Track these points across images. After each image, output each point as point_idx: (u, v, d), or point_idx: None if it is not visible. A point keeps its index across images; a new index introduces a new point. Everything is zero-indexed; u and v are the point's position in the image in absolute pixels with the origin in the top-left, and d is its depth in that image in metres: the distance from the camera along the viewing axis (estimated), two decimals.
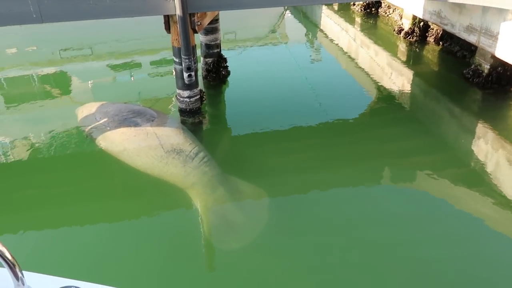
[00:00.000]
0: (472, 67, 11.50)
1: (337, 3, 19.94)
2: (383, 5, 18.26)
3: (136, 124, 8.83)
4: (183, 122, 9.55)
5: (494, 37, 10.24)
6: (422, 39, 14.84)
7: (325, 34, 17.74)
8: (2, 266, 1.89)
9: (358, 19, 18.31)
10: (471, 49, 12.21)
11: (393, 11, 17.47)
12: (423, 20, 14.56)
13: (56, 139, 9.19)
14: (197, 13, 8.72)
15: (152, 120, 9.03)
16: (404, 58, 14.06)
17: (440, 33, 14.17)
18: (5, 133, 9.72)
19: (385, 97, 11.47)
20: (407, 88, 11.98)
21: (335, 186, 7.75)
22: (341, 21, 18.50)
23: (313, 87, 11.67)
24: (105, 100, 10.35)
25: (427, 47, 14.48)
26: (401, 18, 16.02)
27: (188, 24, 8.46)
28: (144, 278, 5.68)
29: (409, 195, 7.55)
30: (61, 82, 13.04)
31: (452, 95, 11.09)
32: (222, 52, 12.23)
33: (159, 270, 5.85)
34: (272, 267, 5.93)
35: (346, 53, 15.06)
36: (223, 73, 12.12)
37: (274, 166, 8.20)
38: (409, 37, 15.02)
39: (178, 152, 7.99)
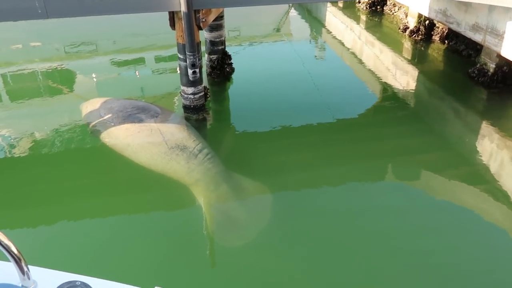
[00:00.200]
0: (477, 66, 11.45)
1: (342, 1, 19.86)
2: (388, 3, 18.19)
3: (140, 120, 8.85)
4: (187, 119, 9.55)
5: (500, 36, 10.19)
6: (427, 38, 14.78)
7: (330, 31, 17.69)
8: (8, 261, 1.91)
9: (363, 17, 18.24)
10: (477, 48, 12.15)
11: (398, 9, 17.40)
12: (428, 19, 14.49)
13: (60, 135, 9.22)
14: (202, 9, 8.72)
15: (156, 117, 9.04)
16: (409, 57, 14.01)
17: (446, 31, 14.10)
18: (10, 128, 9.75)
19: (390, 95, 11.43)
20: (412, 86, 11.94)
21: (339, 184, 7.75)
22: (346, 18, 18.44)
23: (317, 85, 11.65)
24: (109, 96, 10.37)
25: (432, 45, 14.42)
26: (406, 16, 15.96)
27: (193, 20, 8.46)
28: (147, 273, 5.69)
29: (413, 193, 7.53)
30: (66, 78, 13.07)
31: (457, 94, 11.04)
32: (227, 49, 12.22)
33: (162, 265, 5.87)
34: (274, 264, 5.94)
35: (351, 51, 15.01)
36: (228, 70, 12.11)
37: (278, 163, 8.20)
38: (414, 35, 14.96)
39: (182, 148, 8.00)
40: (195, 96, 9.56)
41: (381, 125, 9.67)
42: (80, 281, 2.02)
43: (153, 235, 6.48)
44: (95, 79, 12.73)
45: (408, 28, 15.31)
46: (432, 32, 14.79)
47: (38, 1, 7.79)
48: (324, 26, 18.66)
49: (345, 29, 17.61)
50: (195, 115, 9.69)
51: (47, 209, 7.14)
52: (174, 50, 9.76)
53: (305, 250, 6.15)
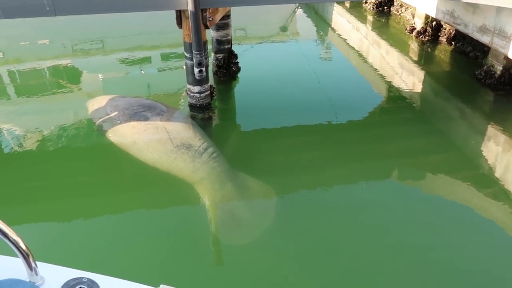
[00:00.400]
0: (484, 68, 11.40)
1: (349, 1, 19.81)
2: (395, 3, 18.12)
3: (146, 118, 8.88)
4: (192, 117, 9.58)
5: (507, 38, 10.13)
6: (434, 39, 14.71)
7: (337, 32, 17.66)
8: (17, 256, 1.93)
9: (370, 17, 18.19)
10: (484, 49, 12.09)
11: (405, 10, 17.33)
12: (435, 20, 14.42)
13: (67, 131, 9.28)
14: (209, 8, 8.73)
15: (162, 115, 9.07)
16: (415, 58, 13.96)
17: (453, 33, 14.04)
18: (18, 124, 9.81)
19: (396, 96, 11.41)
20: (418, 88, 11.90)
21: (343, 184, 7.75)
22: (352, 19, 18.39)
23: (323, 85, 11.64)
24: (115, 93, 10.41)
25: (439, 47, 14.36)
26: (413, 17, 15.89)
27: (200, 19, 8.47)
28: (151, 270, 5.72)
29: (418, 194, 7.52)
30: (73, 75, 13.13)
31: (463, 96, 11.00)
32: (233, 48, 12.23)
33: (167, 263, 5.91)
34: (279, 262, 5.95)
35: (357, 51, 14.98)
36: (234, 69, 12.12)
37: (282, 163, 8.20)
38: (421, 36, 14.90)
39: (187, 147, 8.02)
40: (201, 94, 9.58)
41: (387, 126, 9.66)
42: (87, 278, 2.03)
43: (157, 233, 6.51)
44: (101, 77, 12.78)
45: (415, 29, 15.25)
46: (439, 33, 14.72)
47: None
48: (330, 26, 18.63)
49: (351, 29, 17.57)
50: (201, 114, 9.71)
51: (54, 206, 7.20)
52: (181, 49, 9.78)
53: (309, 249, 6.16)
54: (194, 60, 8.95)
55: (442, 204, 7.24)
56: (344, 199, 7.33)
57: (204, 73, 9.22)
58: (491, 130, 9.45)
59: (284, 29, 17.99)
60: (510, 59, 10.28)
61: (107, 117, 9.24)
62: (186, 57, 9.18)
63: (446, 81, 12.25)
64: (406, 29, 15.79)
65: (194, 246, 6.25)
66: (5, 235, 1.85)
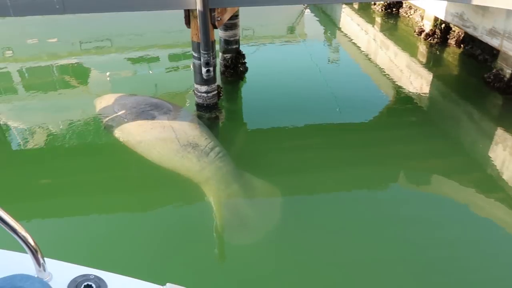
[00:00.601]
0: (493, 71, 11.31)
1: (357, 3, 19.75)
2: (404, 5, 18.04)
3: (153, 117, 8.90)
4: (199, 117, 9.59)
5: None
6: (443, 41, 14.62)
7: (345, 33, 17.61)
8: (25, 252, 1.94)
9: (378, 19, 18.12)
10: (493, 53, 12.00)
11: (414, 12, 17.25)
12: (444, 22, 14.34)
13: (75, 129, 9.33)
14: (218, 8, 8.74)
15: (169, 114, 9.09)
16: (424, 60, 13.89)
17: (462, 35, 13.94)
18: (26, 122, 9.89)
19: (403, 98, 11.35)
20: (426, 90, 11.84)
21: (349, 186, 7.72)
22: (361, 20, 18.33)
23: (330, 86, 11.61)
24: (123, 92, 10.45)
25: (447, 49, 14.27)
26: (422, 19, 15.82)
27: (208, 19, 8.48)
28: (157, 268, 5.73)
29: (423, 197, 7.48)
30: (81, 73, 13.20)
31: (471, 99, 10.92)
32: (241, 48, 12.24)
33: (172, 262, 5.92)
34: (284, 263, 5.95)
35: (365, 53, 14.93)
36: (241, 69, 12.13)
37: (288, 163, 8.20)
38: (429, 38, 14.82)
39: (194, 146, 8.03)
40: (208, 94, 9.59)
41: (394, 128, 9.62)
42: (94, 275, 2.04)
43: (163, 231, 6.52)
44: (109, 75, 12.84)
45: (423, 31, 15.17)
46: (448, 36, 14.63)
47: None
48: (338, 27, 18.59)
49: (359, 30, 17.52)
50: (208, 114, 9.72)
51: (62, 203, 7.25)
52: (188, 48, 9.80)
53: (315, 250, 6.15)
54: (202, 60, 8.97)
55: (446, 204, 7.21)
56: (350, 201, 7.31)
57: (212, 73, 9.23)
58: (500, 134, 9.38)
59: (292, 30, 17.97)
60: None
61: (114, 115, 9.28)
62: (194, 56, 9.19)
63: (454, 84, 12.18)
64: (414, 31, 15.72)
65: (200, 245, 6.26)
66: (14, 230, 1.86)
